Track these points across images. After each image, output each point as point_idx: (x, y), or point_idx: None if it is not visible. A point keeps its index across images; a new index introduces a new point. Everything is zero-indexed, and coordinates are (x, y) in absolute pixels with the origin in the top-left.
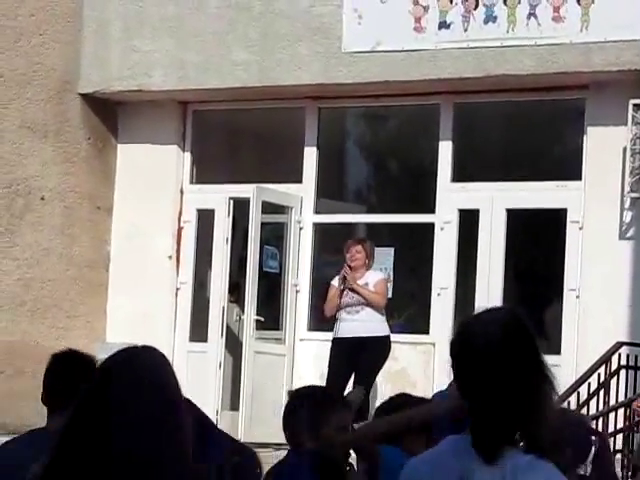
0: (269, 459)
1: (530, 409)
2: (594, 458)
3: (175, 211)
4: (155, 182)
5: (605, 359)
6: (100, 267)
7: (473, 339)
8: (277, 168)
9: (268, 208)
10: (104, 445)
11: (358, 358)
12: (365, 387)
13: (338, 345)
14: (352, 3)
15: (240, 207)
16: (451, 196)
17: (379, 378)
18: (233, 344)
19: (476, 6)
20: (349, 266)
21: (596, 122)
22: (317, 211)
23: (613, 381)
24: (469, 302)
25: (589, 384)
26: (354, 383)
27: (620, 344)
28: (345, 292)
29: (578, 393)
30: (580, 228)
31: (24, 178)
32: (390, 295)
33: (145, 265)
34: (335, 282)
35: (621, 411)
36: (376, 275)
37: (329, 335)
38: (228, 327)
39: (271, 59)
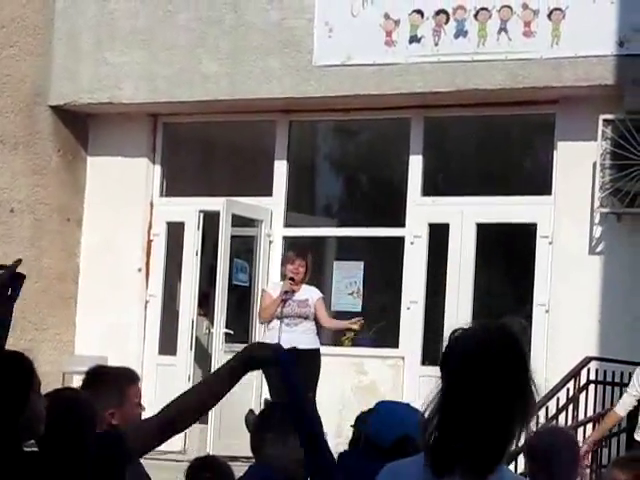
0: (239, 472)
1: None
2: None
3: (145, 224)
4: (125, 194)
5: (574, 374)
6: (69, 279)
7: (467, 348)
8: (247, 181)
9: (238, 221)
10: None
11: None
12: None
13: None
14: (323, 17)
15: (210, 220)
16: (421, 210)
17: (347, 392)
18: (202, 357)
19: (447, 20)
20: (292, 279)
21: (566, 137)
22: (287, 224)
23: (582, 396)
24: (439, 316)
25: (558, 398)
26: None
27: (589, 359)
28: (287, 303)
29: (547, 407)
30: (550, 243)
31: None
32: (360, 309)
33: (114, 278)
34: (270, 290)
35: (590, 426)
36: (315, 293)
37: None
38: (197, 340)
39: (242, 72)
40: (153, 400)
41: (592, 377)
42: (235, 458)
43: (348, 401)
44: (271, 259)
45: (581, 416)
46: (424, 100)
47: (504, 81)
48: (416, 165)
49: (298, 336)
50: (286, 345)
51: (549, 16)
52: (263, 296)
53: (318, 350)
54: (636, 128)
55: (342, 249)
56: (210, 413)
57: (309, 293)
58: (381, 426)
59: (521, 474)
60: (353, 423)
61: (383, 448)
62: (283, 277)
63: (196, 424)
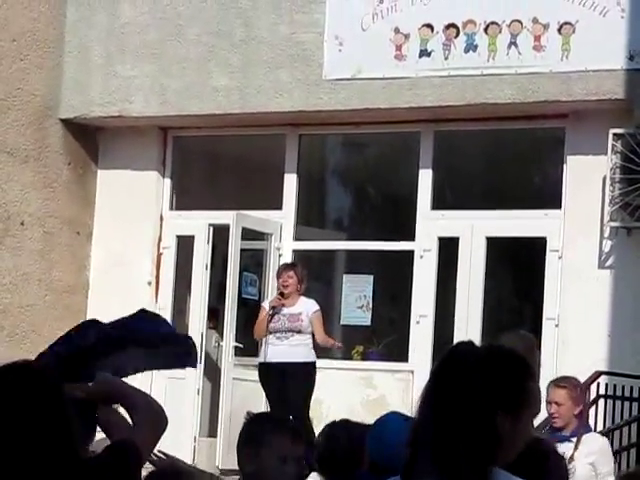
0: None
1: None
2: None
3: (155, 237)
4: (135, 208)
5: (584, 388)
6: (79, 293)
7: (461, 357)
8: (257, 195)
9: (248, 235)
10: None
11: (286, 385)
12: (300, 417)
13: (266, 371)
14: (333, 30)
15: (220, 233)
16: (431, 224)
17: (357, 406)
18: (212, 370)
19: (457, 34)
20: (281, 293)
21: (576, 151)
22: (297, 238)
23: (592, 410)
24: (448, 330)
25: None
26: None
27: (599, 373)
28: (276, 317)
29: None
30: (560, 257)
31: (4, 203)
32: (369, 322)
33: (124, 291)
34: (266, 304)
35: None
36: (312, 306)
37: None
38: (207, 353)
39: (252, 86)
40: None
41: (602, 392)
42: None
43: (357, 415)
44: None
45: None
46: (434, 114)
47: (514, 95)
48: (426, 179)
49: (287, 349)
50: (273, 359)
51: (559, 30)
52: (260, 311)
53: (309, 364)
54: None
55: (352, 262)
56: (219, 427)
57: (304, 306)
58: (378, 445)
59: None
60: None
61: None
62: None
63: (205, 438)
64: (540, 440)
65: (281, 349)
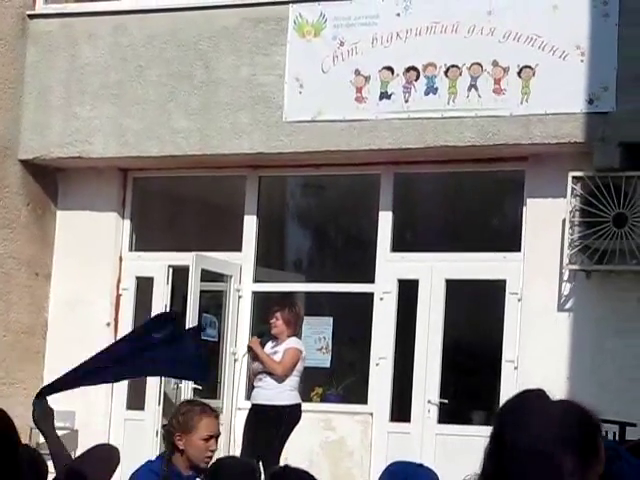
0: None
1: None
2: None
3: (114, 278)
4: (94, 249)
5: None
6: (38, 334)
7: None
8: (217, 236)
9: (207, 276)
10: None
11: (258, 428)
12: (263, 462)
13: (249, 412)
14: (294, 72)
15: (179, 275)
16: (391, 266)
17: (316, 448)
18: (170, 412)
19: (417, 77)
20: (270, 334)
21: (536, 194)
22: (256, 280)
23: None
24: (408, 372)
25: None
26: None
27: None
28: (255, 359)
29: None
30: (519, 299)
31: None
32: (328, 364)
33: (83, 332)
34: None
35: None
36: (289, 343)
37: None
38: (166, 395)
39: (212, 127)
40: (121, 455)
41: None
42: None
43: (316, 457)
44: (240, 314)
45: None
46: (394, 156)
47: (474, 138)
48: (385, 221)
49: (260, 392)
50: (253, 400)
51: (519, 73)
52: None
53: (282, 407)
54: (605, 185)
55: (311, 304)
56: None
57: (284, 346)
58: None
59: None
60: None
61: None
62: None
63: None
64: None
65: (256, 392)
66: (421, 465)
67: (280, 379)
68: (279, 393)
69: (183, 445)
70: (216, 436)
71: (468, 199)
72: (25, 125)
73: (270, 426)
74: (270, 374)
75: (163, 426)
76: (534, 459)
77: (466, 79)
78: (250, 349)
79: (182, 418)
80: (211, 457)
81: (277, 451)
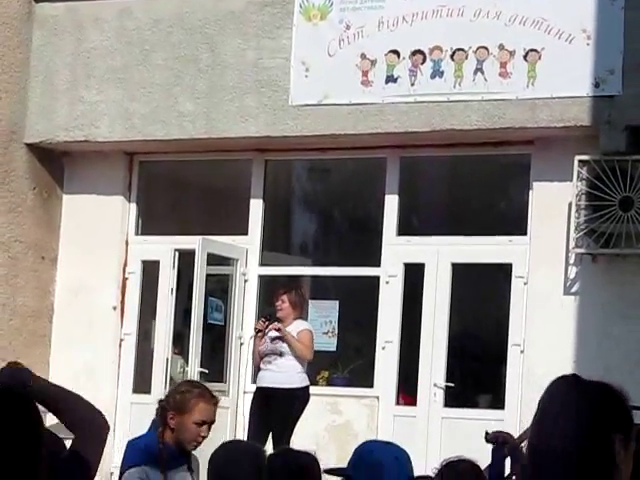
0: None
1: None
2: None
3: (120, 262)
4: (100, 233)
5: None
6: (44, 318)
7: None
8: (223, 220)
9: (213, 260)
10: None
11: (270, 411)
12: (276, 445)
13: (255, 395)
14: (300, 56)
15: (185, 259)
16: (397, 250)
17: (322, 432)
18: None
19: (423, 61)
20: (276, 317)
21: (542, 178)
22: (262, 263)
23: None
24: (414, 356)
25: None
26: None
27: None
28: (263, 340)
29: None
30: (525, 283)
31: None
32: (334, 348)
33: (89, 316)
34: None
35: None
36: (300, 325)
37: None
38: (172, 379)
39: (218, 111)
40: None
41: None
42: None
43: (322, 440)
44: (246, 298)
45: None
46: (400, 140)
47: (480, 122)
48: (391, 205)
49: (269, 374)
50: (259, 383)
51: (525, 57)
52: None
53: (293, 390)
54: (611, 169)
55: (317, 288)
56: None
57: (294, 328)
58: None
59: None
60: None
61: None
62: None
63: None
64: None
65: (267, 374)
66: (389, 443)
67: (297, 361)
68: (291, 376)
69: (175, 424)
70: (210, 422)
71: (474, 183)
72: (31, 109)
73: (283, 409)
74: (279, 355)
75: (159, 401)
76: (583, 429)
77: (472, 63)
78: (259, 331)
79: (179, 397)
80: (200, 443)
81: (289, 434)
